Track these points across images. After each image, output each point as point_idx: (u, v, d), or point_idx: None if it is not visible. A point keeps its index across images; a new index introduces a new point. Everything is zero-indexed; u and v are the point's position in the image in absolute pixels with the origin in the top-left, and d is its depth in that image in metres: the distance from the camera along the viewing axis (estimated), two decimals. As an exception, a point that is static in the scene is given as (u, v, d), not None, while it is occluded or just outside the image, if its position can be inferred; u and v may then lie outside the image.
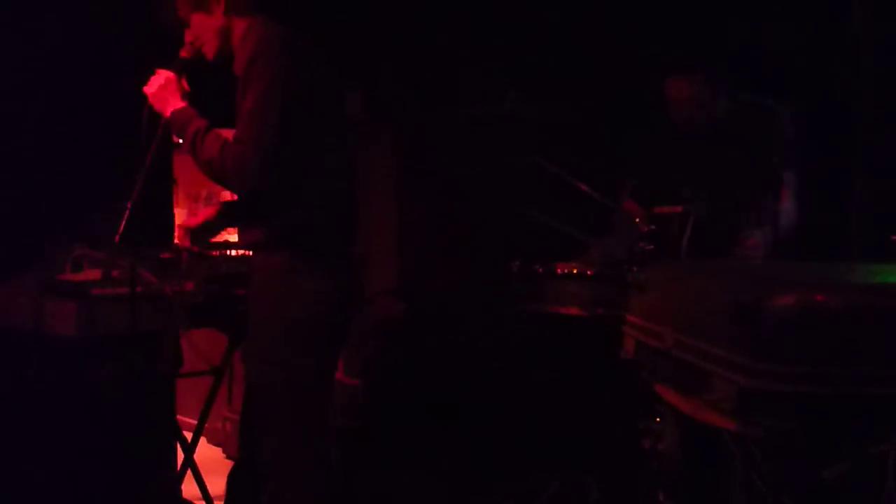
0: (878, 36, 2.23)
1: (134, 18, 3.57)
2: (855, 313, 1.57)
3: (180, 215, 5.43)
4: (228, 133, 2.82)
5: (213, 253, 3.96)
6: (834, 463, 1.89)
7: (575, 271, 3.52)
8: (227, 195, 5.51)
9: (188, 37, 2.92)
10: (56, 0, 3.98)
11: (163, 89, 2.86)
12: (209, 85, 2.91)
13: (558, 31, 4.46)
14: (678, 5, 3.88)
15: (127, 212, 3.01)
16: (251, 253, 2.98)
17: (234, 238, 4.72)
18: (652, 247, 3.34)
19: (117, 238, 3.09)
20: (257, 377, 2.95)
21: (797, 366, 1.57)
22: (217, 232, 3.35)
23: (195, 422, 3.86)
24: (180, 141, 2.97)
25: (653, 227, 3.34)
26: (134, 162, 3.12)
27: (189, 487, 3.73)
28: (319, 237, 2.86)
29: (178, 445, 3.71)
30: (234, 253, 3.95)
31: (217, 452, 5.06)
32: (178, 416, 3.81)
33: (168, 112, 2.85)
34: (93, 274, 3.47)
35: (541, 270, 3.56)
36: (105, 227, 4.06)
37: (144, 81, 2.95)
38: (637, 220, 3.39)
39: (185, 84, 2.91)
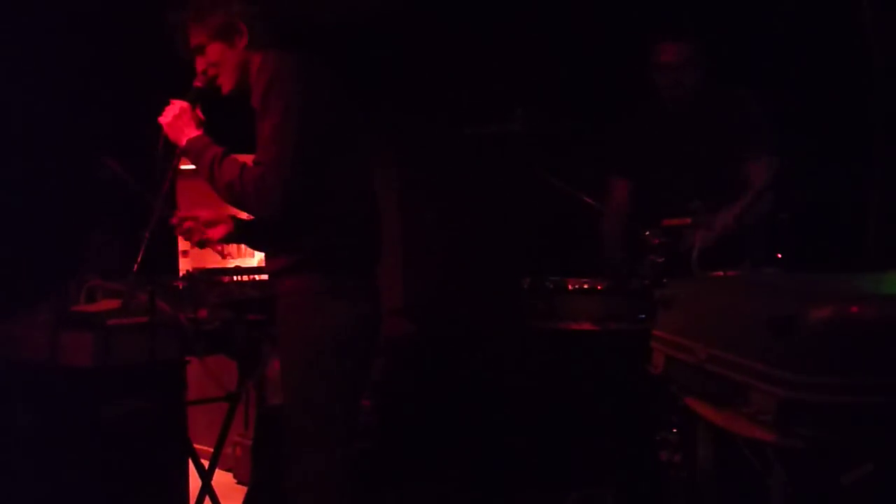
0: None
1: (145, 49, 3.59)
2: (888, 324, 1.60)
3: (182, 242, 5.45)
4: (245, 158, 2.84)
5: (223, 279, 3.99)
6: (853, 469, 1.92)
7: (586, 286, 3.53)
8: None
9: (201, 65, 2.94)
10: (63, 33, 4.00)
11: (177, 119, 2.88)
12: (224, 114, 2.92)
13: (565, 47, 4.50)
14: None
15: (145, 241, 3.03)
16: (278, 278, 2.98)
17: (245, 264, 4.77)
18: (662, 259, 3.36)
19: (136, 267, 3.11)
20: (288, 400, 2.96)
21: (836, 376, 1.60)
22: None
23: (208, 448, 3.87)
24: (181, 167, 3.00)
25: (663, 239, 3.36)
26: (143, 193, 3.15)
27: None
28: (346, 259, 2.89)
29: (195, 472, 3.72)
30: (244, 278, 3.97)
31: (228, 478, 5.07)
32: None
33: (183, 141, 2.87)
34: (108, 304, 3.49)
35: (552, 286, 3.57)
36: (112, 256, 4.10)
37: (156, 111, 2.97)
38: (647, 232, 3.41)
39: (199, 113, 2.93)
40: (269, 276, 3.20)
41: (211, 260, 5.31)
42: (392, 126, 4.86)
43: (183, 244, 5.37)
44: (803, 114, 3.73)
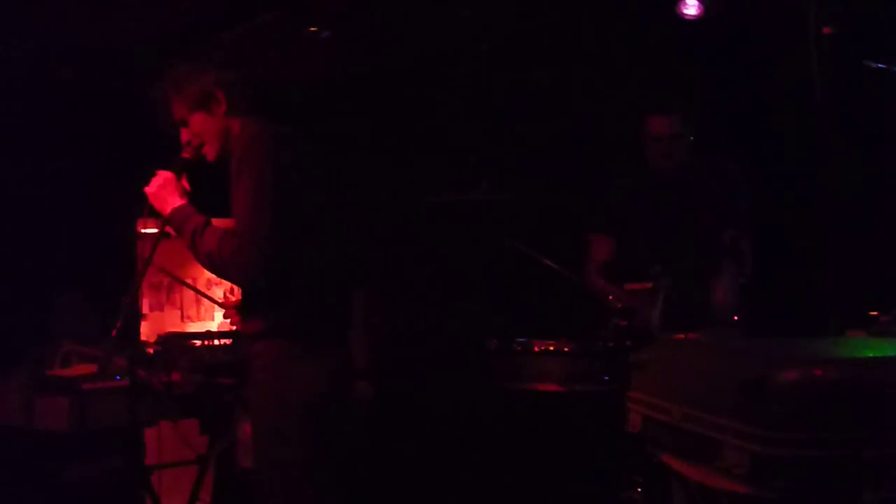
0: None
1: (126, 120, 3.68)
2: (849, 385, 1.77)
3: (143, 305, 5.48)
4: (228, 223, 2.91)
5: (195, 343, 4.05)
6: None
7: (552, 348, 3.64)
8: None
9: (185, 136, 3.02)
10: (43, 102, 4.08)
11: (162, 188, 2.95)
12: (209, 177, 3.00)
13: (531, 120, 4.66)
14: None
15: (125, 306, 3.08)
16: (250, 341, 3.04)
17: (206, 327, 4.82)
18: (626, 323, 3.49)
19: (114, 332, 3.15)
20: (258, 463, 3.00)
21: (803, 433, 1.75)
22: None
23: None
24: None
25: (626, 303, 3.50)
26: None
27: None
28: (317, 324, 2.95)
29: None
30: (217, 342, 4.03)
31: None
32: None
33: (168, 210, 2.94)
34: (83, 369, 3.54)
35: (518, 348, 3.67)
36: (83, 321, 4.14)
37: (131, 184, 3.05)
38: (610, 297, 3.55)
39: (185, 183, 3.01)
40: (243, 339, 3.26)
41: (170, 323, 5.37)
42: (355, 188, 4.97)
43: (145, 308, 5.40)
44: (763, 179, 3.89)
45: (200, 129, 2.99)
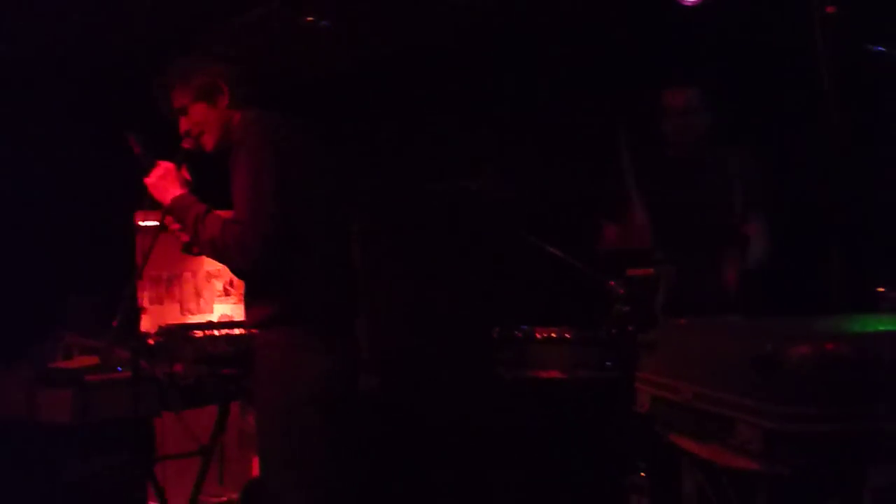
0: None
1: (128, 111, 3.66)
2: (861, 359, 1.76)
3: (142, 298, 5.48)
4: (228, 214, 2.90)
5: (197, 334, 4.04)
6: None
7: (554, 335, 3.65)
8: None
9: (184, 125, 3.01)
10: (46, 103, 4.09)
11: (162, 179, 2.93)
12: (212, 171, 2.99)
13: (535, 103, 4.65)
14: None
15: (127, 298, 3.06)
16: (254, 330, 3.03)
17: (206, 318, 4.81)
18: (628, 308, 3.50)
19: (115, 323, 3.13)
20: (262, 453, 3.00)
21: (815, 408, 1.75)
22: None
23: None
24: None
25: (628, 289, 3.50)
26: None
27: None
28: (323, 313, 2.94)
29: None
30: (218, 333, 4.02)
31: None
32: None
33: (168, 200, 2.93)
34: (85, 360, 3.53)
35: (521, 336, 3.67)
36: (86, 312, 4.14)
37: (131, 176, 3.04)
38: (612, 283, 3.55)
39: (185, 173, 3.00)
40: (247, 327, 3.24)
41: (170, 316, 5.37)
42: (354, 177, 4.97)
43: (142, 301, 5.40)
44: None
45: (201, 119, 2.99)
